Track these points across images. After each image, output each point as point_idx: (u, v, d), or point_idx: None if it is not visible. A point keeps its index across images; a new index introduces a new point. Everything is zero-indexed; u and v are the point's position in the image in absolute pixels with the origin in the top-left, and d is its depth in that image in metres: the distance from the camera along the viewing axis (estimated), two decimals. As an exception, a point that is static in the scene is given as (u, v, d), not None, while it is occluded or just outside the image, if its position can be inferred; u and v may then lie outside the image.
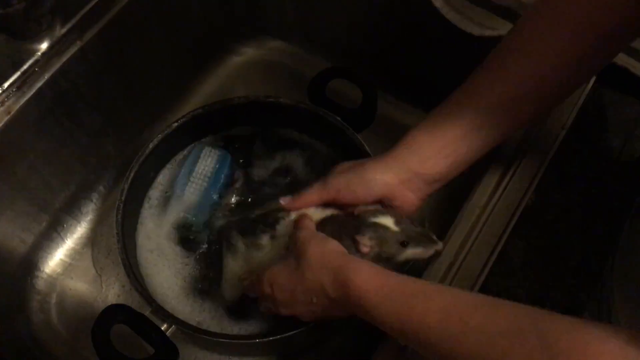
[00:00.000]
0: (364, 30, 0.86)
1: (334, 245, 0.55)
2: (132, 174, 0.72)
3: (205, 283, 0.74)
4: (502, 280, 0.59)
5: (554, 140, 0.65)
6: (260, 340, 0.64)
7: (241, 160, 0.81)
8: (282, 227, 0.65)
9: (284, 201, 0.65)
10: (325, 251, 0.54)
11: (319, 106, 0.75)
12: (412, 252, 0.58)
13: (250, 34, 0.95)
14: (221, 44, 0.94)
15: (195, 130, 0.79)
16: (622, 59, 0.67)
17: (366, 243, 0.57)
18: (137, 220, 0.77)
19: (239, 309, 0.72)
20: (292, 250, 0.57)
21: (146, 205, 0.78)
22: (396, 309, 0.47)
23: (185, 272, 0.75)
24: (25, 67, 0.69)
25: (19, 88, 0.69)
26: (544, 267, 0.60)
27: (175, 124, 0.76)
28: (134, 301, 0.73)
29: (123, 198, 0.71)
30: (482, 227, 0.61)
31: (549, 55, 0.54)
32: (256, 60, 0.96)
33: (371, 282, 0.49)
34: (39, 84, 0.70)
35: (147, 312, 0.65)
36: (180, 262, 0.75)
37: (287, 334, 0.63)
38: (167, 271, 0.74)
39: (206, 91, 0.92)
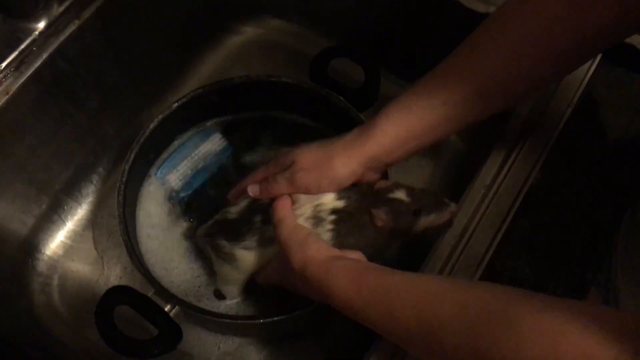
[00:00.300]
0: (365, 8, 0.85)
1: (313, 250, 0.54)
2: (132, 155, 0.71)
3: (208, 262, 0.74)
4: (507, 260, 0.59)
5: (560, 118, 0.65)
6: (264, 320, 0.63)
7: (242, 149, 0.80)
8: None
9: (251, 191, 0.64)
10: (306, 261, 0.53)
11: (321, 86, 0.75)
12: (425, 219, 0.59)
13: (250, 13, 0.94)
14: (220, 23, 0.93)
15: (196, 111, 0.78)
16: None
17: (382, 217, 0.58)
18: (138, 201, 0.77)
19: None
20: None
21: (146, 185, 0.77)
22: (377, 312, 0.48)
23: (187, 251, 0.75)
24: (22, 46, 0.68)
25: (16, 68, 0.68)
26: (550, 247, 0.60)
27: (176, 105, 0.75)
28: (136, 282, 0.73)
29: (124, 179, 0.70)
30: (487, 207, 0.61)
31: (519, 51, 0.53)
32: (256, 40, 0.94)
33: (349, 289, 0.50)
34: (37, 64, 0.69)
35: (150, 293, 0.64)
36: (182, 241, 0.75)
37: (290, 315, 0.63)
38: (168, 251, 0.74)
39: (205, 72, 0.91)
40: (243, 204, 0.65)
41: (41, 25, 0.69)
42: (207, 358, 0.74)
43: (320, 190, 0.60)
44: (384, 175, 0.65)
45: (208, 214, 0.75)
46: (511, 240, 0.60)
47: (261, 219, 0.63)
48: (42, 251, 0.79)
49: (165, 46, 0.86)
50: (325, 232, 0.59)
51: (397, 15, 0.82)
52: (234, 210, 0.65)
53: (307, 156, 0.62)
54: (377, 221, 0.58)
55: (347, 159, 0.60)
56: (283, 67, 0.90)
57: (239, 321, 0.67)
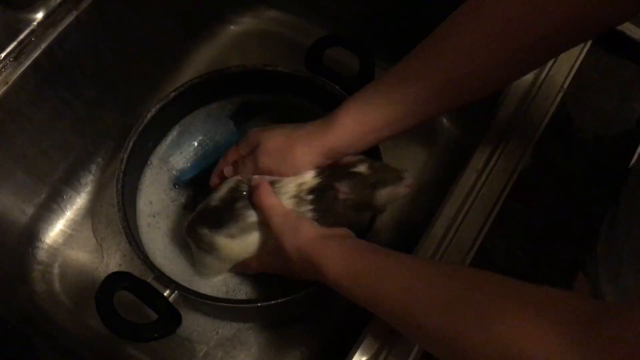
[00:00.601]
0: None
1: (305, 231, 0.57)
2: (131, 144, 0.72)
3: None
4: (500, 241, 0.61)
5: (551, 103, 0.66)
6: (262, 304, 0.64)
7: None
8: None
9: (227, 172, 0.67)
10: (300, 244, 0.57)
11: (317, 74, 0.76)
12: (384, 192, 0.61)
13: (246, 4, 0.95)
14: (217, 14, 0.94)
15: (193, 100, 0.79)
16: (618, 23, 0.68)
17: (344, 190, 0.60)
18: (138, 190, 0.78)
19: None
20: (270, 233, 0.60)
21: (146, 174, 0.78)
22: (364, 292, 0.51)
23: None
24: (21, 36, 0.69)
25: (16, 58, 0.69)
26: (541, 229, 0.61)
27: (173, 94, 0.75)
28: (136, 270, 0.74)
29: (123, 167, 0.71)
30: (479, 190, 0.62)
31: (473, 52, 0.54)
32: (252, 30, 0.95)
33: (339, 270, 0.53)
34: (35, 54, 0.70)
35: (149, 279, 0.65)
36: (181, 228, 0.75)
37: (287, 299, 0.64)
38: (169, 239, 0.75)
39: (203, 61, 0.92)
40: (224, 189, 0.65)
41: (39, 15, 0.70)
42: (206, 343, 0.75)
43: (280, 174, 0.63)
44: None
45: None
46: (503, 222, 0.61)
47: (243, 205, 0.63)
48: (42, 240, 0.80)
49: (163, 36, 0.87)
50: (307, 212, 0.61)
51: (391, 4, 0.83)
52: (216, 197, 0.65)
53: (272, 141, 0.64)
54: (340, 194, 0.61)
55: (307, 148, 0.62)
56: (279, 57, 0.91)
57: (237, 305, 0.68)
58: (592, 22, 0.50)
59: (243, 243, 0.63)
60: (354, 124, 0.61)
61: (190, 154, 0.78)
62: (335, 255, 0.54)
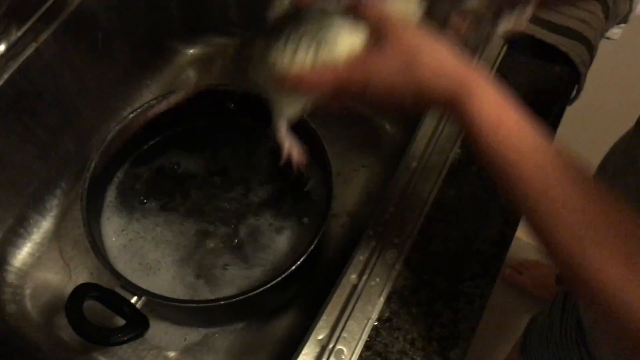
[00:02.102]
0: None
1: (447, 49, 0.47)
2: (93, 164, 0.76)
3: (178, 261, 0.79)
4: (437, 223, 0.66)
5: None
6: (225, 301, 0.68)
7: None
8: None
9: None
10: (442, 58, 0.46)
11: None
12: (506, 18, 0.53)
13: (196, 33, 1.01)
14: (169, 43, 1.00)
15: (153, 122, 0.84)
16: (529, 28, 0.77)
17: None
18: (101, 209, 0.81)
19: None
20: (392, 47, 0.47)
21: (109, 193, 0.82)
22: (501, 156, 0.44)
23: (151, 251, 0.79)
24: (-16, 68, 0.74)
25: (-21, 88, 0.73)
26: (474, 210, 0.68)
27: (131, 116, 0.80)
28: (103, 283, 0.77)
29: (86, 186, 0.75)
30: (418, 179, 0.68)
31: None
32: (202, 55, 1.02)
33: (490, 117, 0.44)
34: (-2, 84, 0.74)
35: (116, 288, 0.69)
36: (147, 244, 0.80)
37: (249, 295, 0.68)
38: (132, 253, 0.79)
39: (158, 85, 0.98)
40: None
41: (1, 48, 0.75)
42: (175, 349, 0.78)
43: None
44: None
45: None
46: (440, 206, 0.67)
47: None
48: (11, 263, 0.83)
49: (120, 63, 0.92)
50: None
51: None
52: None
53: None
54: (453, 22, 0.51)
55: None
56: (228, 77, 0.97)
57: (201, 305, 0.71)
58: None
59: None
60: None
61: (151, 174, 0.82)
62: (490, 92, 0.44)
